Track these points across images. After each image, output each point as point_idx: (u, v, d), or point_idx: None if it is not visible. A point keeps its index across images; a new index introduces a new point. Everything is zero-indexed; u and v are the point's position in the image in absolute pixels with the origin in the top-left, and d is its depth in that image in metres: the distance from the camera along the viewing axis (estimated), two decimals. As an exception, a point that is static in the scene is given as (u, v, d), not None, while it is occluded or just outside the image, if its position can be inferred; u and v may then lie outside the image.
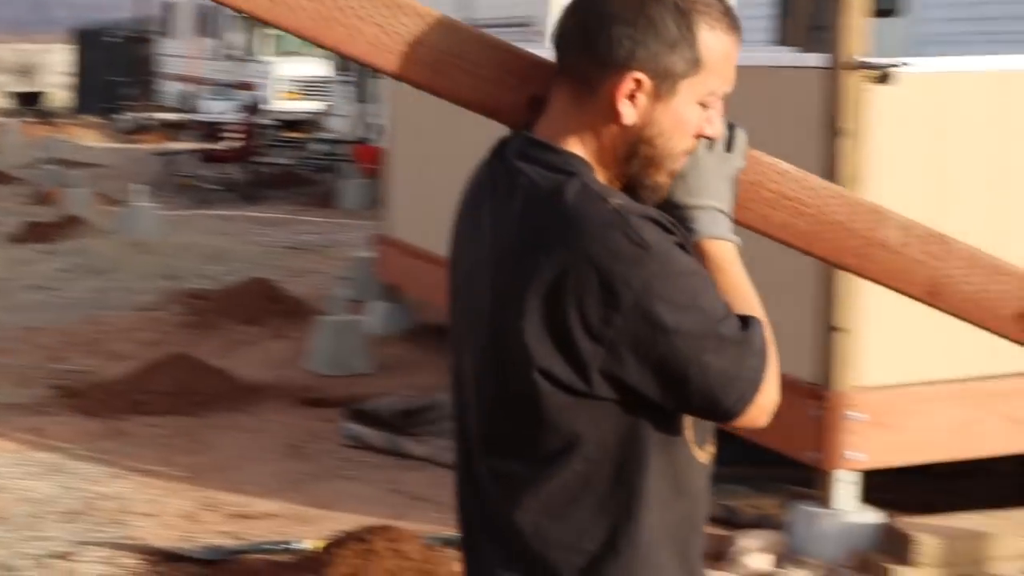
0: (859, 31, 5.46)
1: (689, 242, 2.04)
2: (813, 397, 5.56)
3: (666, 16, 1.99)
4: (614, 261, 1.94)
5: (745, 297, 2.05)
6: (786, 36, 12.89)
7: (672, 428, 2.05)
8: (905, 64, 5.52)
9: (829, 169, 5.45)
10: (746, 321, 2.02)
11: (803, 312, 5.62)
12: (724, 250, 2.09)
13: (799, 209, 2.22)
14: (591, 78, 2.02)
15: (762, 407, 2.01)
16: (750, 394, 2.00)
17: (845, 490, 5.57)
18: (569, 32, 2.05)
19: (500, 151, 2.11)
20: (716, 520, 5.78)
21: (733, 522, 5.88)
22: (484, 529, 2.11)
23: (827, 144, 5.50)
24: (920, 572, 5.37)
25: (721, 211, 2.11)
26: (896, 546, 5.47)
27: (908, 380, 5.71)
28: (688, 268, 1.99)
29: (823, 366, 5.56)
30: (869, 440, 5.53)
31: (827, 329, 5.54)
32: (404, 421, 7.34)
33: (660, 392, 1.98)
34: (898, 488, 6.11)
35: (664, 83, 2.00)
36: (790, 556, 5.59)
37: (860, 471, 5.59)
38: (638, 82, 2.00)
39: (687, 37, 2.00)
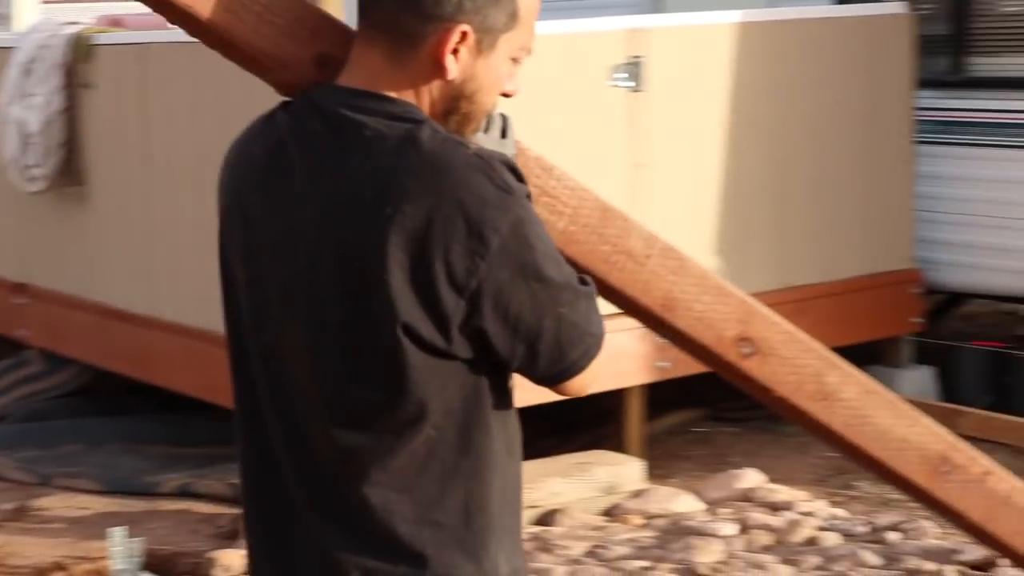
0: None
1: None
2: None
3: None
4: (482, 206, 1.91)
5: None
6: None
7: (506, 390, 2.04)
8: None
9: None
10: (584, 279, 2.04)
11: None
12: None
13: (558, 208, 2.21)
14: (413, 32, 1.97)
15: (594, 370, 2.05)
16: (594, 350, 2.03)
17: None
18: None
19: (305, 108, 2.03)
20: (224, 499, 6.06)
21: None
22: (317, 509, 1.99)
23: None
24: None
25: None
26: None
27: None
28: (539, 217, 2.00)
29: None
30: None
31: None
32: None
33: (511, 345, 1.96)
34: None
35: (486, 37, 1.99)
36: None
37: None
38: (464, 35, 1.97)
39: None
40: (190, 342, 6.70)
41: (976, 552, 5.24)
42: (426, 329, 1.91)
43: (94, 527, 5.91)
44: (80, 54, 7.27)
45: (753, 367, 2.34)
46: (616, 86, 6.53)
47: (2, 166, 7.64)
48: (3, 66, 7.60)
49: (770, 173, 7.12)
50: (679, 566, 5.47)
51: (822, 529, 5.78)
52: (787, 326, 2.39)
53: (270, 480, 2.05)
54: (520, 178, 1.97)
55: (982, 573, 5.25)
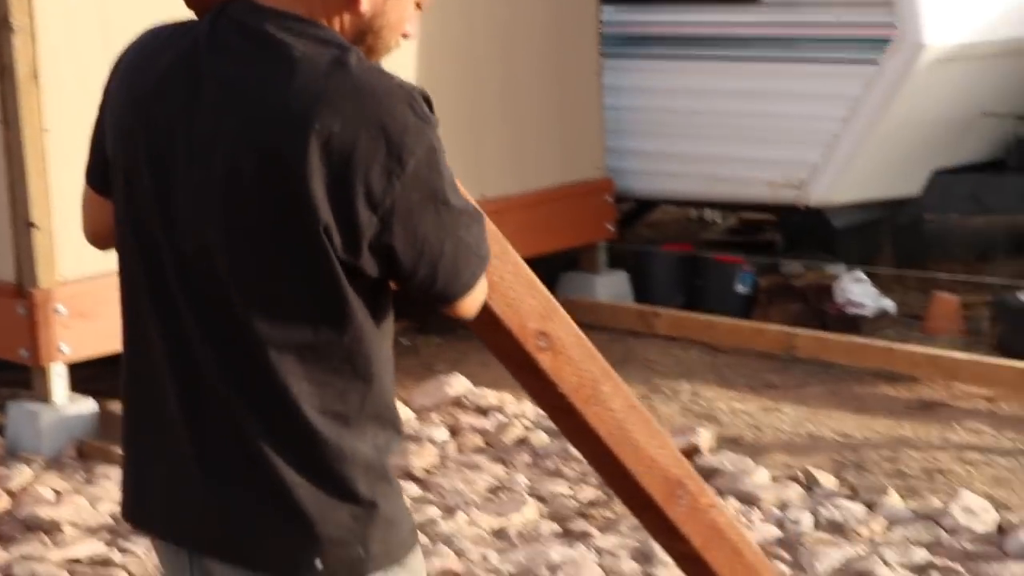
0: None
1: None
2: (18, 296, 5.76)
3: None
4: (403, 132, 2.01)
5: None
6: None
7: (390, 306, 2.18)
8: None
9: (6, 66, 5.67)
10: (475, 207, 2.16)
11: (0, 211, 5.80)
12: None
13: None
14: None
15: (478, 293, 2.20)
16: (480, 272, 2.17)
17: (59, 384, 5.82)
18: None
19: (224, 24, 2.08)
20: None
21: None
22: (240, 397, 2.10)
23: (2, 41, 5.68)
24: None
25: None
26: (116, 430, 5.48)
27: (101, 272, 5.71)
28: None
29: (24, 264, 5.76)
30: (73, 333, 5.78)
31: (24, 227, 5.73)
32: None
33: (414, 264, 2.08)
34: (108, 379, 6.07)
35: None
36: (11, 455, 5.74)
37: (68, 364, 5.85)
38: None
39: None
40: None
41: (681, 441, 5.48)
42: (338, 241, 2.02)
43: None
44: None
45: (545, 360, 2.46)
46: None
47: None
48: None
49: (462, 88, 7.21)
50: (395, 471, 5.55)
51: (529, 429, 5.95)
52: (578, 331, 2.51)
53: (176, 376, 2.15)
54: (433, 111, 2.07)
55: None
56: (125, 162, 2.15)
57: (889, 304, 7.51)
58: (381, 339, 2.15)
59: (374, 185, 2.00)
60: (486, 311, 2.33)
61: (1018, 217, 8.30)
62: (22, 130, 5.69)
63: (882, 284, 7.95)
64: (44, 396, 5.84)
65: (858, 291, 7.48)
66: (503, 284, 2.37)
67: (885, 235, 8.36)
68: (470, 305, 2.21)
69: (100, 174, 2.25)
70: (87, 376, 6.19)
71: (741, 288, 7.76)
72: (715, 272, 7.79)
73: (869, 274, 7.75)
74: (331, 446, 2.11)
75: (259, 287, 2.07)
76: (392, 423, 2.21)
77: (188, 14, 2.17)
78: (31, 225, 5.70)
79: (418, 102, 2.04)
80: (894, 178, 7.90)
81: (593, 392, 2.54)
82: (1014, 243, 8.54)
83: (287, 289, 2.06)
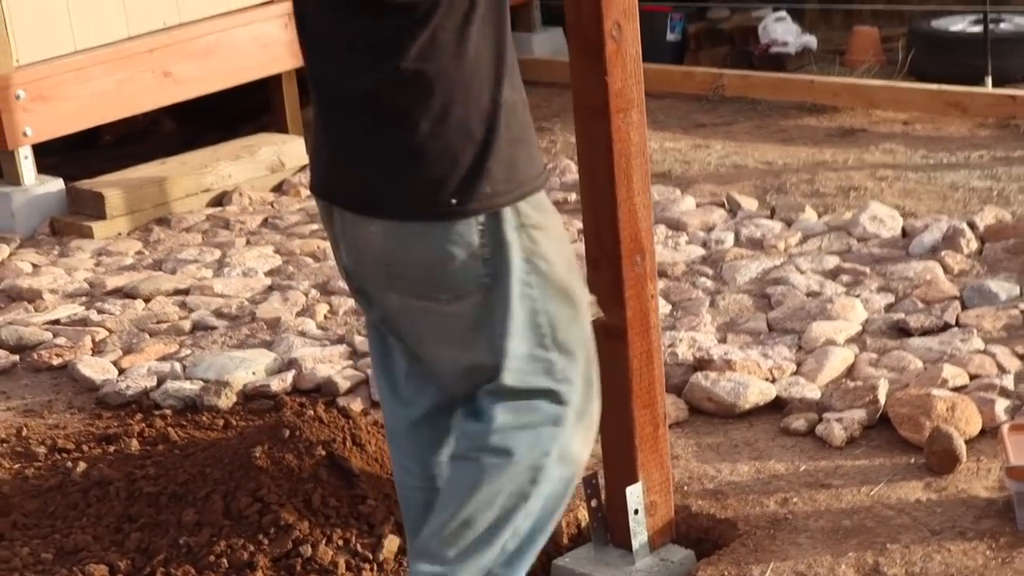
0: None
1: None
2: None
3: None
4: None
5: None
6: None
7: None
8: None
9: None
10: None
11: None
12: None
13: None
14: None
15: None
16: None
17: (27, 166, 6.05)
18: None
19: None
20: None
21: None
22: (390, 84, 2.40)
23: None
24: (111, 223, 5.99)
25: None
26: (85, 205, 6.03)
27: (59, 53, 6.05)
28: None
29: None
30: (34, 116, 5.97)
31: None
32: None
33: None
34: (73, 164, 6.66)
35: None
36: None
37: (33, 146, 6.06)
38: None
39: None
40: None
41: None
42: None
43: None
44: None
45: (611, 48, 2.81)
46: None
47: None
48: None
49: None
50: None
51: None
52: (639, 50, 2.87)
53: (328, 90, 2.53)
54: None
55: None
56: None
57: (811, 40, 7.73)
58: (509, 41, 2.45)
59: None
60: None
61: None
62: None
63: (807, 22, 8.16)
64: (14, 179, 6.08)
65: (781, 30, 7.70)
66: None
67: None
68: None
69: None
70: (52, 164, 6.44)
71: (671, 35, 7.96)
72: (645, 21, 7.90)
73: (795, 12, 7.93)
74: (460, 88, 2.40)
75: None
76: (510, 75, 2.48)
77: None
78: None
79: None
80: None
81: (626, 106, 2.82)
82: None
83: None
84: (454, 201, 2.41)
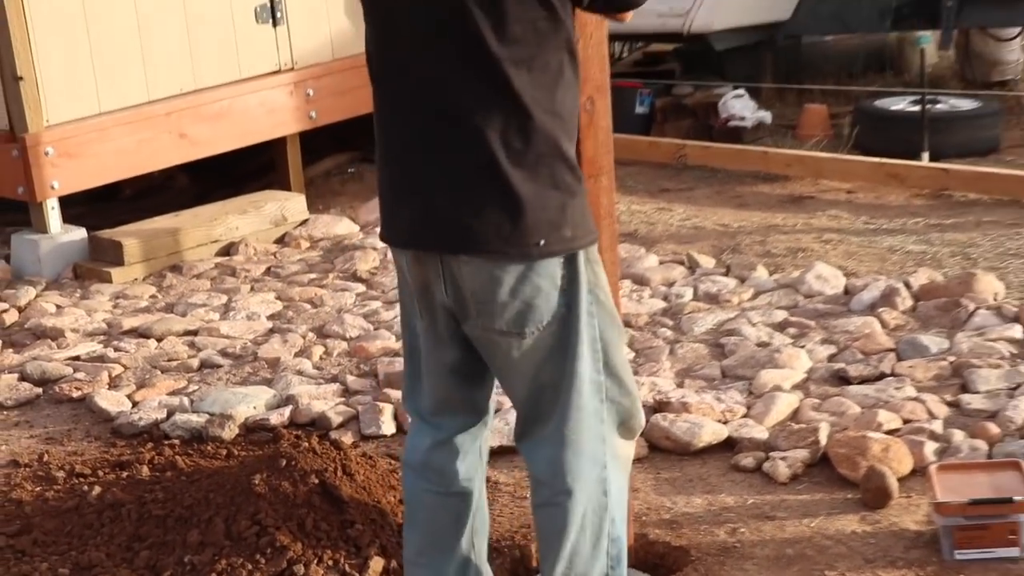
0: None
1: None
2: (12, 141, 5.97)
3: None
4: None
5: None
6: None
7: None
8: None
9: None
10: None
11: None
12: None
13: None
14: None
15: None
16: None
17: (53, 216, 6.11)
18: None
19: None
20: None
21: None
22: (474, 110, 2.45)
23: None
24: (128, 270, 6.03)
25: None
26: (105, 252, 6.08)
27: (85, 114, 6.09)
28: None
29: (15, 113, 5.95)
30: (61, 171, 6.03)
31: (13, 80, 5.92)
32: None
33: None
34: (95, 215, 6.67)
35: None
36: (17, 279, 6.05)
37: (59, 198, 6.12)
38: None
39: None
40: None
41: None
42: None
43: None
44: None
45: None
46: None
47: None
48: None
49: None
50: (344, 273, 5.88)
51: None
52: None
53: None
54: None
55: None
56: None
57: (766, 115, 7.81)
58: (575, 56, 2.52)
59: None
60: None
61: (878, 35, 8.57)
62: (2, -5, 5.87)
63: (763, 99, 8.24)
64: (42, 228, 6.12)
65: (739, 105, 7.77)
66: None
67: (767, 57, 8.62)
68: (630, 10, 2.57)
69: None
70: (77, 214, 6.47)
71: (640, 109, 8.03)
72: (617, 96, 7.96)
73: (752, 90, 8.02)
74: (550, 142, 2.48)
75: (499, 16, 2.41)
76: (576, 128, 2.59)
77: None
78: (18, 78, 5.88)
79: None
80: (766, 4, 8.14)
81: (597, 172, 2.87)
82: (876, 59, 8.83)
83: (517, 17, 2.42)
84: (542, 243, 2.50)
